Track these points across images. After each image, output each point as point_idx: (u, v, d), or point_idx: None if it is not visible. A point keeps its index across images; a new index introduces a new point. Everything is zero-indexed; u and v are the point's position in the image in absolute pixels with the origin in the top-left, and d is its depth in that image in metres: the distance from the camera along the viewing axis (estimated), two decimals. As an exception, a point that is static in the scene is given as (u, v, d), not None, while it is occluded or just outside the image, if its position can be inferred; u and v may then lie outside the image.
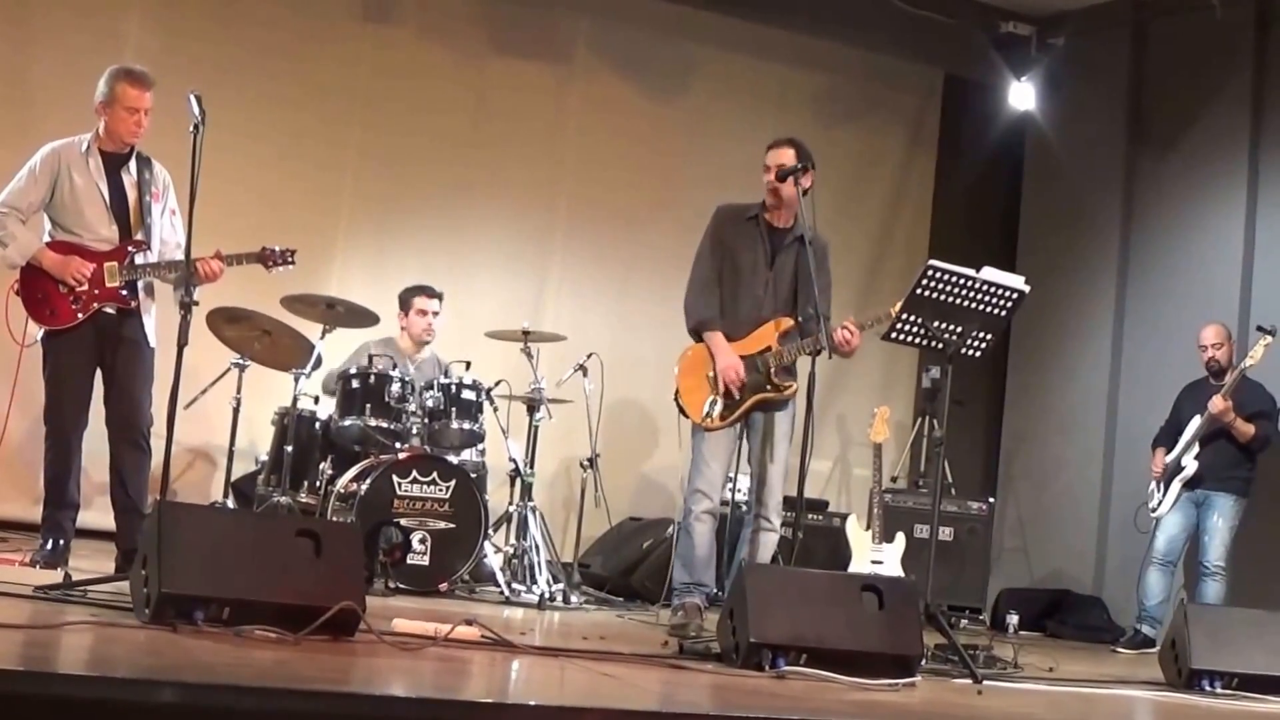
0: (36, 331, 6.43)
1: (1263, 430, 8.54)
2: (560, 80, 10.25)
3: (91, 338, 6.41)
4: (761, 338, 6.71)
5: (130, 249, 6.44)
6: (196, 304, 5.79)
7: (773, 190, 6.70)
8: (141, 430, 6.48)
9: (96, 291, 6.37)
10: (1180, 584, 8.85)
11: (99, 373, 6.49)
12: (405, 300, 8.51)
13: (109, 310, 6.42)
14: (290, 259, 6.80)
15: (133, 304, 6.45)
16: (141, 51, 8.42)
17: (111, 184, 6.48)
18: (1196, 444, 8.59)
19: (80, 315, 6.37)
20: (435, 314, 8.44)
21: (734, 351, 6.66)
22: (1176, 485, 8.63)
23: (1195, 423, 8.62)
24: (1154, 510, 8.73)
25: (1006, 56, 10.77)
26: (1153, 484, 8.78)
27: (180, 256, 6.34)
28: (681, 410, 6.80)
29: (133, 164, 6.54)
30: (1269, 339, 8.34)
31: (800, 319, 6.69)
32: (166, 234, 6.60)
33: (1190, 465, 8.58)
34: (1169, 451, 8.74)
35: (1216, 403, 8.45)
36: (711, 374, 6.68)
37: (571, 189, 10.23)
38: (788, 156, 6.68)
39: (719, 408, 6.67)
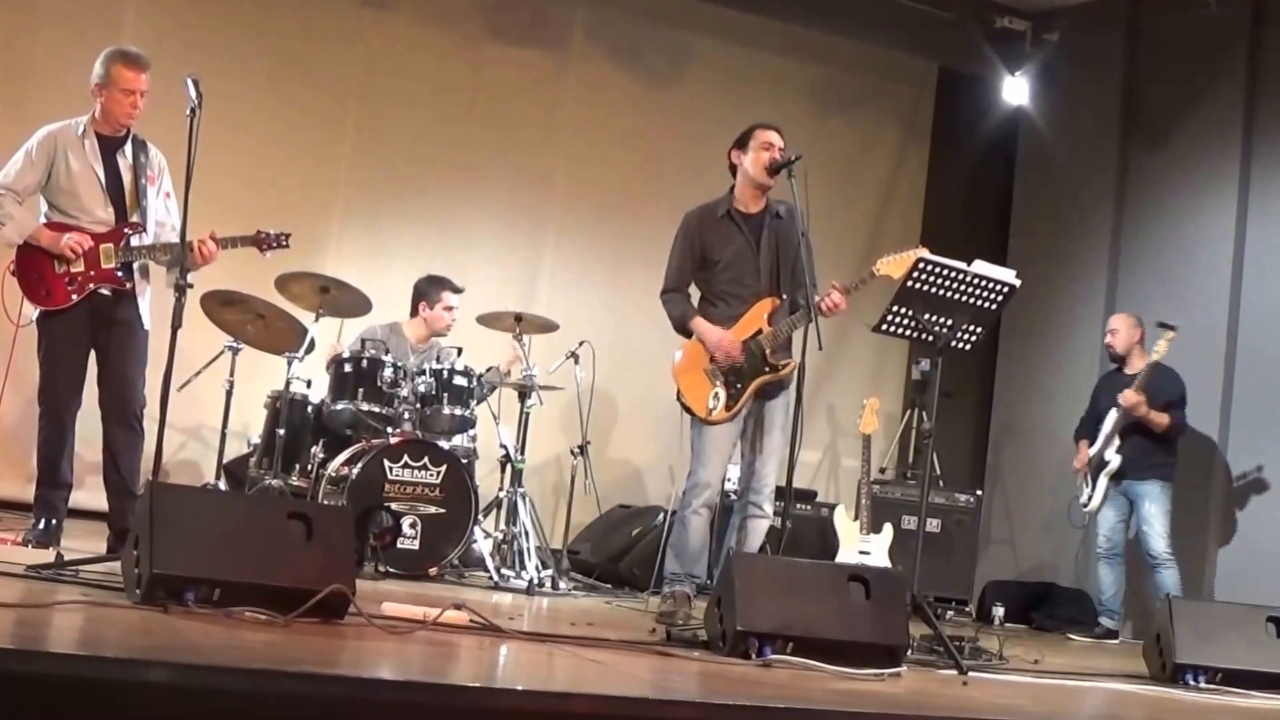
0: (31, 312, 6.43)
1: (1176, 419, 8.75)
2: (556, 67, 10.25)
3: (86, 319, 6.42)
4: (751, 321, 6.68)
5: (126, 231, 6.45)
6: (191, 286, 5.82)
7: (769, 168, 6.65)
8: (134, 412, 6.49)
9: (92, 273, 6.39)
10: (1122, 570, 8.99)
11: (93, 354, 6.51)
12: (429, 292, 8.46)
13: (104, 292, 6.43)
14: (285, 242, 6.82)
15: (128, 285, 6.47)
16: (139, 35, 8.42)
17: (107, 166, 6.49)
18: (1117, 437, 8.77)
19: (76, 296, 6.38)
20: (454, 309, 8.46)
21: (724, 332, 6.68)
22: (1103, 480, 8.81)
23: (1113, 415, 8.80)
24: (1085, 505, 8.87)
25: (1001, 51, 10.78)
26: (1081, 477, 8.91)
27: (175, 239, 6.36)
28: (686, 409, 6.73)
29: (128, 147, 6.54)
30: (1171, 334, 8.60)
31: (784, 296, 6.68)
32: (161, 216, 6.61)
33: (1114, 459, 8.76)
34: (1092, 443, 8.89)
35: (1129, 396, 8.67)
36: (708, 367, 6.67)
37: (566, 175, 10.24)
38: (781, 141, 6.71)
39: (722, 399, 6.65)
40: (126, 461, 6.46)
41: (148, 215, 6.53)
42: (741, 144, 6.77)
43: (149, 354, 6.56)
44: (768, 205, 6.75)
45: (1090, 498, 8.84)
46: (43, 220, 6.47)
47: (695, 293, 6.89)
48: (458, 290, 8.47)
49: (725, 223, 6.77)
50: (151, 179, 6.57)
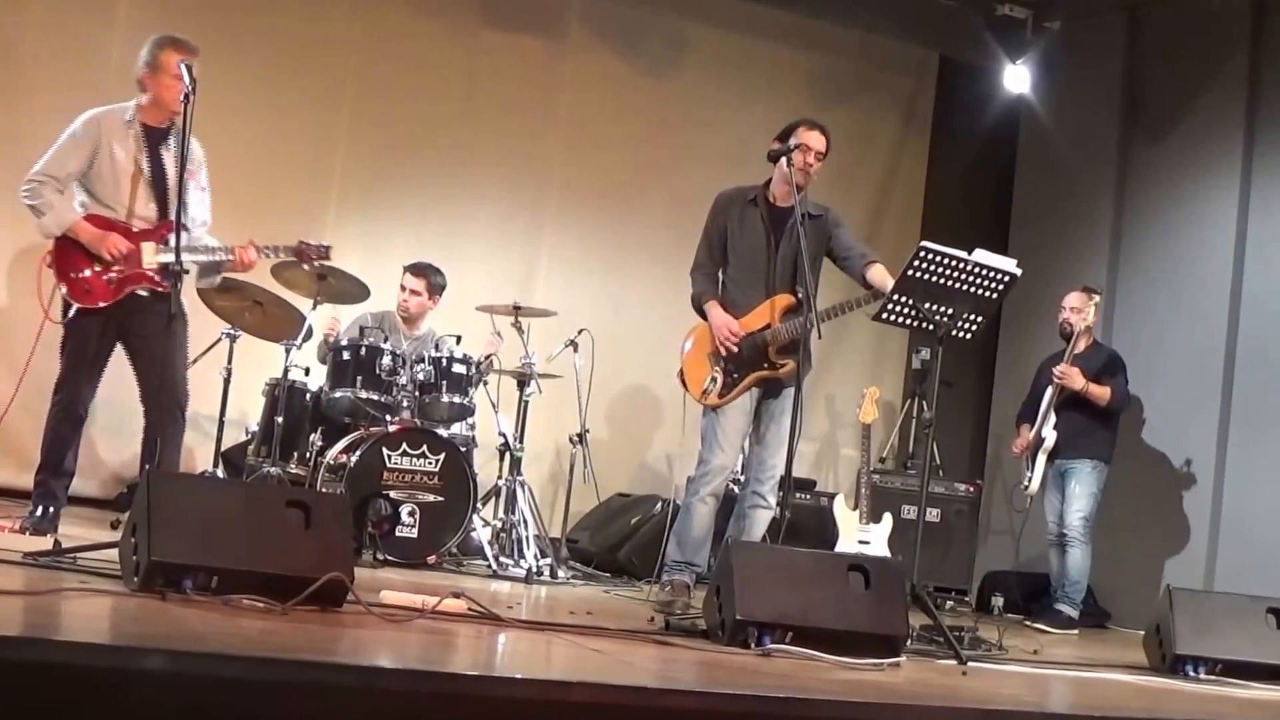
0: (64, 309, 6.28)
1: (1118, 390, 8.60)
2: (553, 55, 10.21)
3: (117, 316, 6.31)
4: (762, 314, 6.70)
5: (166, 232, 6.25)
6: (187, 273, 5.83)
7: (806, 170, 6.62)
8: (179, 401, 6.37)
9: (133, 273, 6.26)
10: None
11: (119, 348, 6.41)
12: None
13: (142, 293, 6.32)
14: (326, 253, 6.77)
15: (165, 286, 6.22)
16: (132, 21, 8.42)
17: (152, 159, 6.36)
18: (1053, 414, 8.60)
19: (115, 296, 6.26)
20: (415, 292, 8.41)
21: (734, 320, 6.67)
22: (1041, 459, 8.61)
23: (1049, 392, 8.67)
24: (1026, 489, 8.69)
25: (1001, 39, 10.73)
26: (1025, 461, 8.79)
27: (205, 234, 6.29)
28: (684, 386, 6.81)
29: (173, 140, 6.38)
30: (1097, 298, 8.59)
31: (800, 294, 6.64)
32: (195, 211, 6.49)
33: (1049, 436, 8.59)
34: (1033, 426, 8.75)
35: (1064, 368, 8.54)
36: (711, 350, 6.69)
37: (563, 164, 10.21)
38: (824, 144, 6.65)
39: (718, 384, 6.68)
40: (170, 452, 6.32)
41: (189, 212, 6.38)
42: (783, 138, 6.69)
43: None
44: (803, 203, 6.57)
45: (1030, 480, 8.67)
46: (79, 209, 6.34)
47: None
48: (420, 274, 8.43)
49: (751, 209, 6.77)
50: (192, 173, 6.39)
